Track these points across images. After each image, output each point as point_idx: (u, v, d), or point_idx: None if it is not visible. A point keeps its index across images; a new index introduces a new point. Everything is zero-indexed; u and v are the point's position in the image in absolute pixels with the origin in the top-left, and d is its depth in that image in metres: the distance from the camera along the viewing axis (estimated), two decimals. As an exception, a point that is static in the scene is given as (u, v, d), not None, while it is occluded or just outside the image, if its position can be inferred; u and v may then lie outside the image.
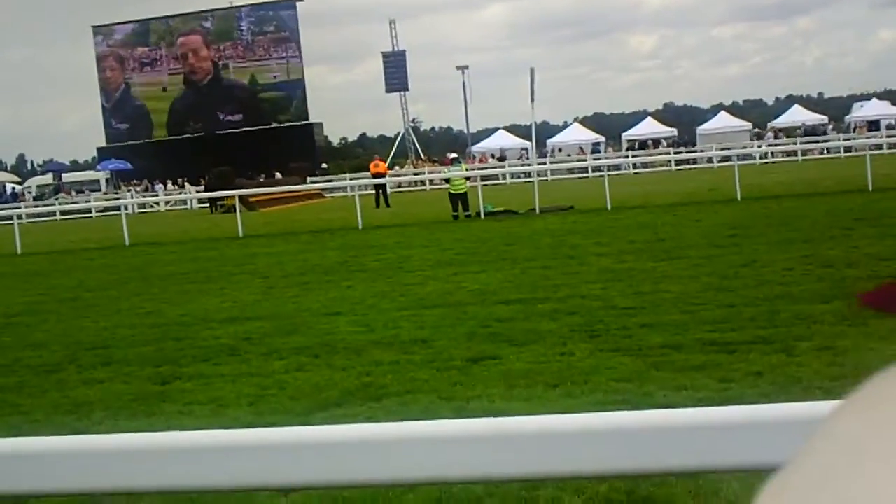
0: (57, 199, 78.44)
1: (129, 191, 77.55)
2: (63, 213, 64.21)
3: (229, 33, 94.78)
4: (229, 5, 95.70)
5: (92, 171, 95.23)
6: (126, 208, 41.16)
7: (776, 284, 13.30)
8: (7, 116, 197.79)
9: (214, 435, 2.41)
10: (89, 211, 64.83)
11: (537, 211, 32.18)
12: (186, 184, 73.68)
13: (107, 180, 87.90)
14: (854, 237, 18.06)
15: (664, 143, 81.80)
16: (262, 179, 65.38)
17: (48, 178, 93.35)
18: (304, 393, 9.41)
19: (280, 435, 2.36)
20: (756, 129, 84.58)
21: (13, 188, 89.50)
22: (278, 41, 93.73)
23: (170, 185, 79.65)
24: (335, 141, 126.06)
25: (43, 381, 11.04)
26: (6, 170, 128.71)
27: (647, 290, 13.74)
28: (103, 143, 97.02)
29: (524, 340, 10.89)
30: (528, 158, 70.96)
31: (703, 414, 2.27)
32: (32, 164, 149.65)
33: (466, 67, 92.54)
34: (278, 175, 70.38)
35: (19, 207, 59.38)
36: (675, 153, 68.15)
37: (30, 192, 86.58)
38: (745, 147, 64.69)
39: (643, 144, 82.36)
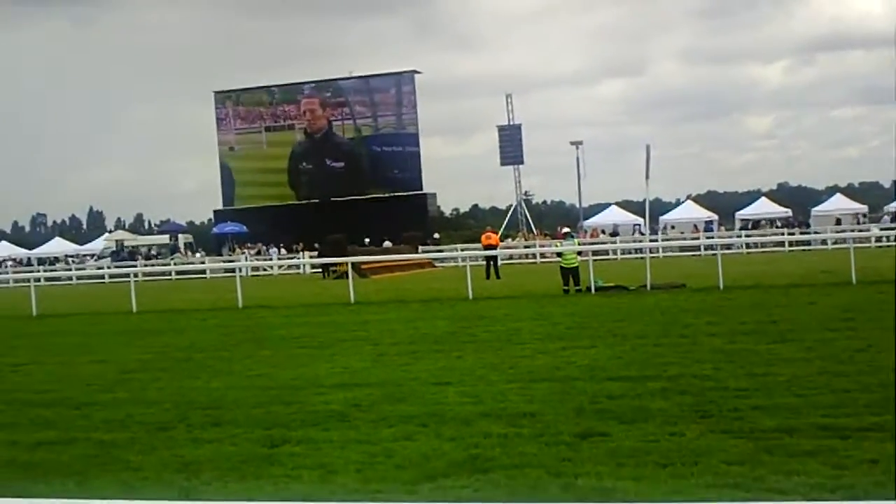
0: (173, 259, 79.72)
1: (244, 254, 78.53)
2: (178, 273, 65.26)
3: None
4: (349, 73, 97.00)
5: (158, 236, 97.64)
6: (240, 271, 41.60)
7: (892, 371, 13.06)
8: (130, 175, 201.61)
9: None
10: (204, 272, 65.72)
11: (648, 287, 32.00)
12: (304, 251, 74.27)
13: (173, 245, 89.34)
14: (973, 325, 17.70)
15: (778, 223, 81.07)
16: (373, 247, 65.73)
17: (111, 240, 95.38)
18: (412, 462, 9.39)
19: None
20: (870, 214, 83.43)
21: (130, 247, 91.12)
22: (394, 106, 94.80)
23: (283, 251, 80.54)
24: (447, 211, 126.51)
25: (153, 439, 11.17)
26: (124, 228, 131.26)
27: (760, 372, 13.57)
28: (219, 206, 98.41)
29: (633, 418, 10.80)
30: (640, 234, 70.72)
31: None
32: (150, 223, 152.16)
33: (581, 142, 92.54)
34: (387, 244, 70.70)
35: (135, 266, 60.56)
36: (789, 234, 67.44)
37: (92, 256, 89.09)
38: (859, 229, 63.93)
39: (756, 224, 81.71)
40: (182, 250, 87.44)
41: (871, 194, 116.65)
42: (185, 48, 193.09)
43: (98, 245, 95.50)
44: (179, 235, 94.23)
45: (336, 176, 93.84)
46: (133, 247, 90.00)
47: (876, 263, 36.18)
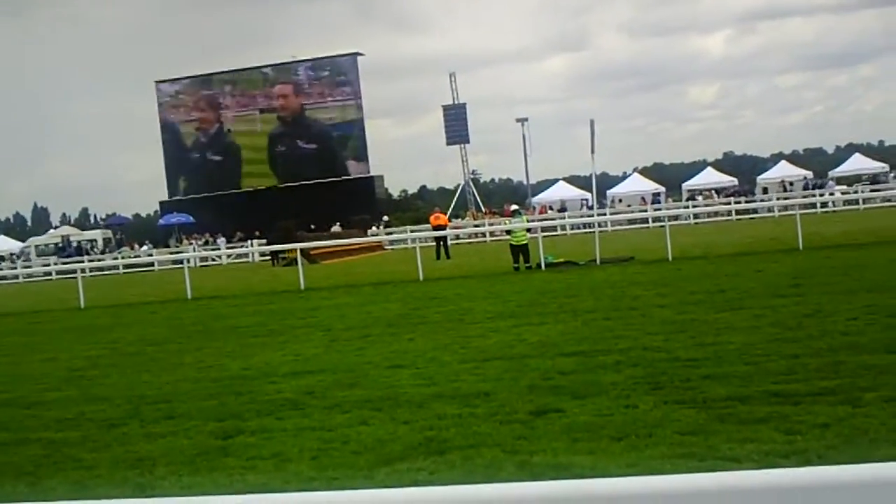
0: (120, 252, 79.24)
1: (191, 244, 78.13)
2: (126, 266, 64.93)
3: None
4: (292, 58, 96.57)
5: (90, 231, 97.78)
6: (188, 262, 41.38)
7: (840, 335, 13.16)
8: (72, 169, 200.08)
9: (273, 499, 2.38)
10: (152, 265, 65.39)
11: (598, 262, 32.09)
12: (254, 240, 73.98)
13: (105, 240, 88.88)
14: (920, 286, 17.86)
15: (719, 195, 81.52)
16: (321, 233, 65.50)
17: (47, 238, 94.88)
18: (367, 447, 9.37)
19: (341, 498, 2.33)
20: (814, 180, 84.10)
21: (77, 242, 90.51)
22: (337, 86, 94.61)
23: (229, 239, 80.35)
24: (395, 193, 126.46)
25: (106, 436, 11.08)
26: (70, 223, 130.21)
27: (710, 342, 13.62)
28: (165, 197, 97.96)
29: (587, 393, 10.81)
30: (588, 209, 70.91)
31: (777, 476, 2.22)
32: (95, 218, 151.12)
33: (526, 119, 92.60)
34: (336, 228, 70.49)
35: (83, 261, 60.13)
36: (736, 203, 67.83)
37: (26, 251, 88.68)
38: (805, 196, 64.37)
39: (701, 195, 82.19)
40: (100, 246, 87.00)
41: (815, 160, 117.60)
42: (125, 39, 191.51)
43: (36, 241, 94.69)
44: (98, 231, 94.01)
45: (310, 158, 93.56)
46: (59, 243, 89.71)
47: (822, 229, 36.52)
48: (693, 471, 7.52)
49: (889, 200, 59.10)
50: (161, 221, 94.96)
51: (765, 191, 79.78)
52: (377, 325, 19.99)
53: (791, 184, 78.99)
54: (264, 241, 63.60)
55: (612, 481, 2.24)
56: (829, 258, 25.65)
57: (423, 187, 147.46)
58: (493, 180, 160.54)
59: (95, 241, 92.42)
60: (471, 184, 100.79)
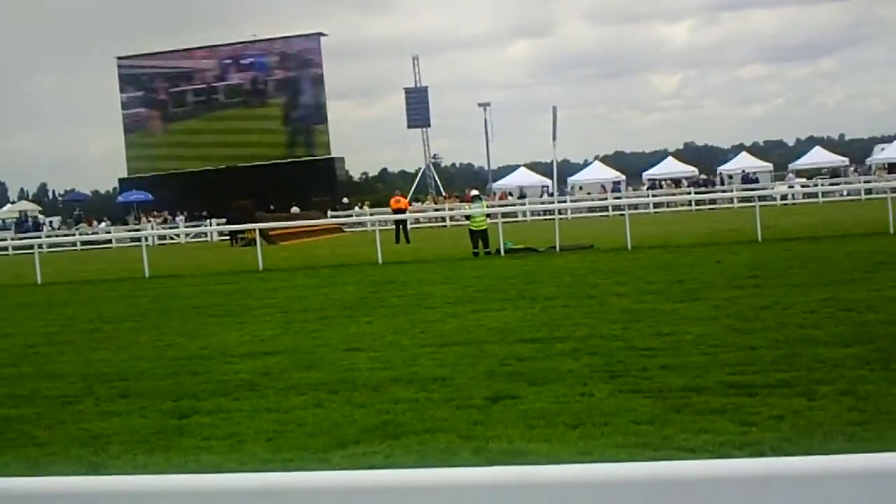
0: (78, 229, 78.83)
1: (150, 222, 77.82)
2: (83, 243, 64.57)
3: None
4: (253, 37, 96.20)
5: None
6: (146, 240, 41.21)
7: (797, 327, 13.24)
8: (30, 144, 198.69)
9: (229, 479, 2.37)
10: (109, 242, 65.07)
11: (557, 249, 32.17)
12: (212, 219, 73.71)
13: (16, 222, 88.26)
14: (875, 280, 17.98)
15: (685, 182, 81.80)
16: (280, 213, 65.29)
17: (5, 212, 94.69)
18: (323, 430, 9.36)
19: (296, 480, 2.33)
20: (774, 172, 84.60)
21: (35, 217, 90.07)
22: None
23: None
24: (356, 176, 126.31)
25: (60, 413, 11.02)
26: (28, 198, 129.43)
27: (667, 332, 13.67)
28: (125, 174, 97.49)
29: (544, 380, 10.83)
30: (548, 196, 71.01)
31: (729, 466, 2.23)
32: (54, 194, 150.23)
33: (488, 104, 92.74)
34: (295, 209, 70.27)
35: (40, 237, 59.77)
36: (696, 193, 68.12)
37: None
38: (765, 188, 64.70)
39: (661, 185, 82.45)
40: (30, 223, 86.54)
41: (775, 152, 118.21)
42: (85, 14, 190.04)
43: None
44: (27, 210, 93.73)
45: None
46: None
47: (781, 221, 36.72)
48: (647, 460, 7.56)
49: (849, 194, 59.56)
50: (120, 198, 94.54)
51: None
52: (335, 307, 19.97)
53: (747, 178, 79.22)
54: (223, 220, 63.37)
55: (566, 468, 2.25)
56: (788, 251, 25.79)
57: (384, 170, 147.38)
58: (454, 165, 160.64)
59: (52, 221, 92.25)
60: (431, 168, 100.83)
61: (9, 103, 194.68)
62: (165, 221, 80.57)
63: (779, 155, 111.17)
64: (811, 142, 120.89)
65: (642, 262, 25.51)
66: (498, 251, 32.53)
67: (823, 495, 2.12)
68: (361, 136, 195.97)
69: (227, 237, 57.65)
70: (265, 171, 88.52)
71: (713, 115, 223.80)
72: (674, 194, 72.00)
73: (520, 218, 58.53)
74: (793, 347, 11.71)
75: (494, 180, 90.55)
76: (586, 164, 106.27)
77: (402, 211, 50.65)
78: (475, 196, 37.58)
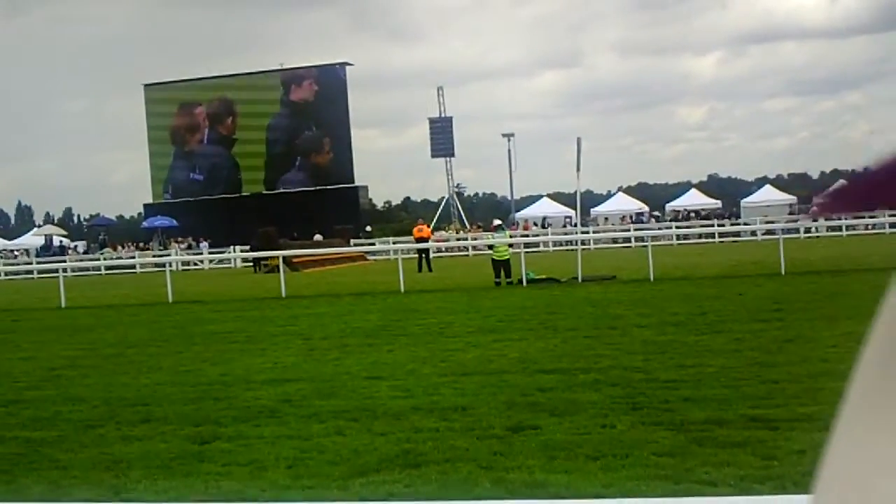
0: (102, 254, 79.09)
1: (174, 248, 78.01)
2: (108, 268, 64.78)
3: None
4: (280, 66, 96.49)
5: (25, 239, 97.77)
6: (170, 265, 41.35)
7: (820, 361, 13.18)
8: (56, 169, 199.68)
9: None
10: (133, 267, 65.29)
11: (580, 280, 32.14)
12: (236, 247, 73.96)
13: (37, 249, 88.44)
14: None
15: (702, 213, 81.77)
16: (305, 240, 65.36)
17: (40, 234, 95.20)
18: (343, 458, 9.35)
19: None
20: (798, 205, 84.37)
21: (60, 241, 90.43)
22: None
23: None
24: (379, 204, 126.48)
25: (82, 437, 11.05)
26: (53, 223, 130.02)
27: (690, 364, 13.64)
28: (149, 200, 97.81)
29: (565, 411, 10.82)
30: (572, 226, 70.96)
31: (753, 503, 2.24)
32: (79, 218, 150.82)
33: (512, 135, 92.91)
34: (318, 237, 70.33)
35: (64, 261, 60.02)
36: (719, 225, 67.97)
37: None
38: (789, 221, 64.53)
39: (687, 216, 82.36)
40: (55, 248, 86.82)
41: (799, 185, 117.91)
42: (115, 40, 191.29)
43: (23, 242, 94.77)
44: (53, 234, 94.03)
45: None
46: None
47: (804, 255, 36.59)
48: (669, 493, 7.54)
49: (873, 227, 59.31)
50: (144, 224, 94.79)
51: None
52: (357, 335, 19.97)
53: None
54: (247, 247, 63.54)
55: (587, 503, 2.26)
56: (811, 283, 25.70)
57: (408, 199, 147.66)
58: (477, 194, 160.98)
59: (77, 246, 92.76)
60: (455, 197, 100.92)
61: (37, 126, 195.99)
62: (190, 247, 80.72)
63: (802, 187, 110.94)
64: (835, 175, 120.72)
65: (665, 294, 25.46)
66: (520, 281, 32.52)
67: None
68: (385, 165, 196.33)
69: (251, 264, 57.76)
70: (289, 198, 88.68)
71: (738, 146, 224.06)
72: (694, 226, 71.88)
73: (542, 248, 58.49)
74: (815, 382, 11.64)
75: (517, 210, 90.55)
76: (609, 195, 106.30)
77: (425, 240, 50.68)
78: (498, 226, 37.59)
